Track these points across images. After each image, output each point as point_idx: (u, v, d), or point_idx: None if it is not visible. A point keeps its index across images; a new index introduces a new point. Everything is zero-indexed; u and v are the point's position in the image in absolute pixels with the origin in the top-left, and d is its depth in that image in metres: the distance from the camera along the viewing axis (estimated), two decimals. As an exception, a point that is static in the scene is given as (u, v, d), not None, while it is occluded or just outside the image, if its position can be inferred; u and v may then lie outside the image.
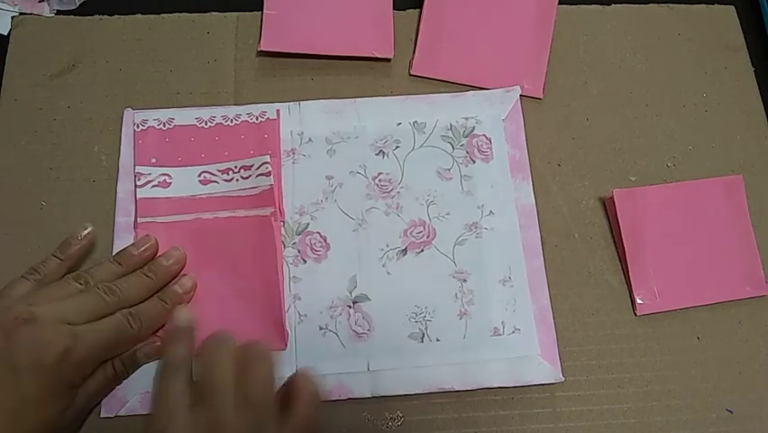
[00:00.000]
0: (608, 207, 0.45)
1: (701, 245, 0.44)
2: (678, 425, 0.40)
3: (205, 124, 0.45)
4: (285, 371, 0.39)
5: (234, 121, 0.45)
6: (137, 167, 0.43)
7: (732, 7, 0.51)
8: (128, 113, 0.45)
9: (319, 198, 0.44)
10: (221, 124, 0.45)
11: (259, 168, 0.43)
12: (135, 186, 0.43)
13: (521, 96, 0.47)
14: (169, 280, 0.41)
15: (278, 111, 0.45)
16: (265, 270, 0.41)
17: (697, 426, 0.40)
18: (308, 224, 0.43)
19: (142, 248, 0.40)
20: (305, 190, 0.44)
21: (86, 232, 0.41)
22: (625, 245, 0.43)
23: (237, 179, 0.43)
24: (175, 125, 0.45)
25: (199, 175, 0.43)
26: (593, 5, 0.51)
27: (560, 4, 0.49)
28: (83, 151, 0.45)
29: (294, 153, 0.44)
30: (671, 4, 0.51)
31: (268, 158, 0.43)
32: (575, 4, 0.50)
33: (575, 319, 0.42)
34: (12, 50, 0.47)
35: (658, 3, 0.51)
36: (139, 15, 0.49)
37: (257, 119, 0.45)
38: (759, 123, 0.48)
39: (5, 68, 0.47)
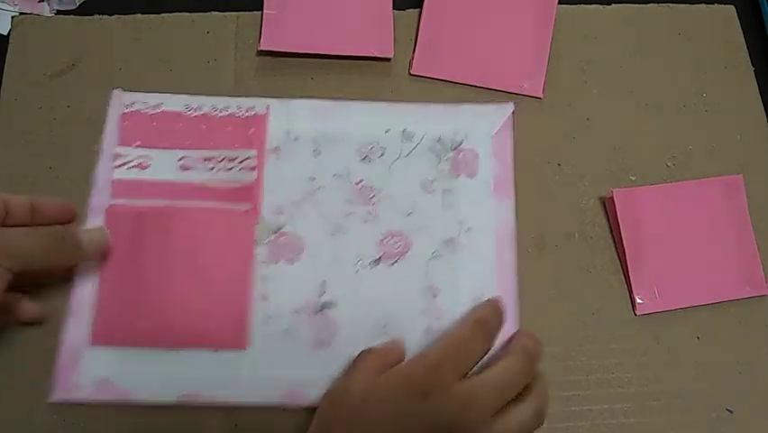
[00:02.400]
0: (608, 206, 0.45)
1: (701, 245, 0.44)
2: (678, 425, 0.40)
3: (194, 111, 0.44)
4: (243, 373, 0.39)
5: (223, 112, 0.44)
6: (117, 147, 0.43)
7: (732, 7, 0.51)
8: (116, 93, 0.45)
9: (299, 198, 0.43)
10: (208, 114, 0.44)
11: (243, 162, 0.43)
12: (112, 166, 0.43)
13: (521, 95, 0.47)
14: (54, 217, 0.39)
15: (267, 107, 0.45)
16: (235, 266, 0.41)
17: (697, 426, 0.40)
18: (285, 224, 0.43)
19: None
20: (285, 190, 0.43)
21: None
22: (625, 245, 0.43)
23: (219, 170, 0.43)
24: (163, 110, 0.44)
25: (180, 159, 0.43)
26: (593, 5, 0.51)
27: (560, 3, 0.49)
28: (82, 150, 0.45)
29: (279, 151, 0.44)
30: (671, 4, 0.51)
31: (254, 152, 0.43)
32: (575, 4, 0.50)
33: (575, 319, 0.42)
34: (12, 50, 0.47)
35: (658, 3, 0.51)
36: (139, 15, 0.49)
37: (245, 113, 0.45)
38: (759, 123, 0.48)
39: (5, 68, 0.47)
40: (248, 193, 0.42)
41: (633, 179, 0.46)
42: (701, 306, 0.43)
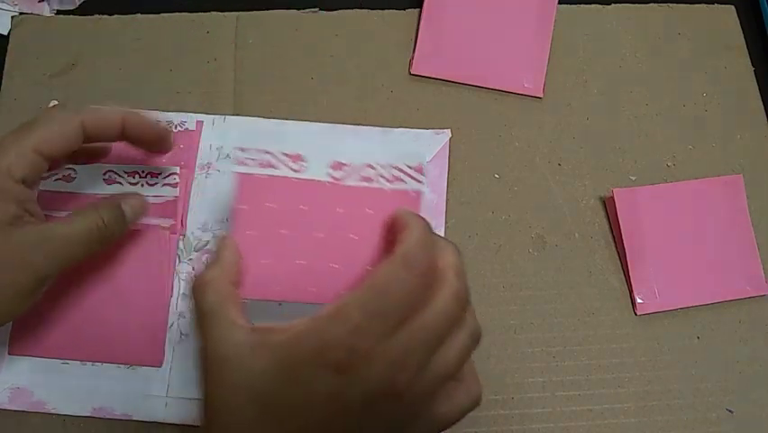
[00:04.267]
0: (608, 206, 0.45)
1: (701, 245, 0.44)
2: (678, 425, 0.40)
3: None
4: (156, 390, 0.39)
5: None
6: None
7: (732, 7, 0.51)
8: (52, 105, 0.45)
9: (225, 216, 0.42)
10: None
11: (166, 177, 0.42)
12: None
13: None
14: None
15: (198, 123, 0.45)
16: (154, 282, 0.41)
17: (697, 426, 0.40)
18: (209, 241, 0.42)
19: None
20: (212, 207, 0.43)
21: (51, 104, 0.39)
22: (625, 245, 0.43)
23: (142, 185, 0.42)
24: None
25: (104, 174, 0.42)
26: (593, 5, 0.51)
27: (560, 3, 0.49)
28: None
29: (209, 168, 0.44)
30: (671, 4, 0.51)
31: (177, 169, 0.42)
32: (575, 4, 0.50)
33: (575, 319, 0.42)
34: (12, 50, 0.47)
35: (658, 3, 0.51)
36: (139, 15, 0.48)
37: (176, 128, 0.44)
38: (759, 123, 0.48)
39: (5, 67, 0.47)
40: (171, 209, 0.42)
41: (633, 179, 0.46)
42: (701, 306, 0.43)
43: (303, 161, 0.34)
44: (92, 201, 0.38)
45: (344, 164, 0.34)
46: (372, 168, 0.34)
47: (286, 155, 0.33)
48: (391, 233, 0.30)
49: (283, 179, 0.33)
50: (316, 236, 0.33)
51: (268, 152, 0.33)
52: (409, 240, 0.27)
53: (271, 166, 0.33)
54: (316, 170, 0.34)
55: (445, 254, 0.28)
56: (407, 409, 0.26)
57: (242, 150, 0.33)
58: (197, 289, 0.29)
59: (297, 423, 0.25)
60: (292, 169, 0.33)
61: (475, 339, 0.28)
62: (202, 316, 0.28)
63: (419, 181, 0.35)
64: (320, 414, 0.25)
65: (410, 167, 0.35)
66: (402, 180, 0.34)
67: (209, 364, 0.27)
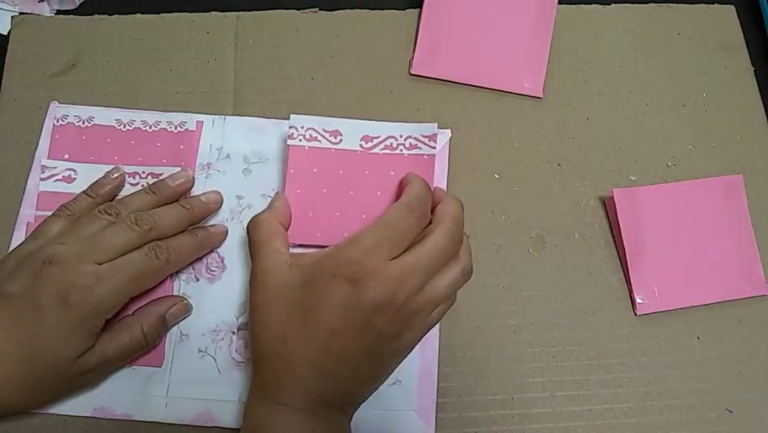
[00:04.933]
0: (608, 206, 0.45)
1: (701, 245, 0.44)
2: (678, 425, 0.40)
3: (124, 126, 0.44)
4: (156, 391, 0.39)
5: (153, 127, 0.44)
6: (44, 160, 0.43)
7: (732, 7, 0.51)
8: (53, 106, 0.45)
9: (225, 216, 0.43)
10: (139, 128, 0.44)
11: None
12: (39, 179, 0.43)
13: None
14: (204, 218, 0.41)
15: (198, 123, 0.45)
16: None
17: (697, 426, 0.40)
18: None
19: (179, 181, 0.41)
20: None
21: (117, 174, 0.42)
22: (625, 245, 0.43)
23: (142, 185, 0.42)
24: (94, 124, 0.44)
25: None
26: (593, 5, 0.51)
27: (560, 3, 0.49)
28: (83, 150, 0.45)
29: (209, 168, 0.44)
30: (671, 4, 0.51)
31: (177, 169, 0.42)
32: (575, 4, 0.50)
33: (575, 319, 0.42)
34: (12, 50, 0.47)
35: (658, 2, 0.51)
36: (139, 15, 0.49)
37: (176, 128, 0.44)
38: (759, 123, 0.48)
39: (5, 67, 0.47)
40: None
41: (633, 179, 0.46)
42: (701, 306, 0.43)
43: (340, 135, 0.41)
44: (139, 310, 0.39)
45: (373, 137, 0.41)
46: (395, 138, 0.41)
47: (326, 131, 0.41)
48: (402, 189, 0.38)
49: (324, 150, 0.41)
50: (349, 194, 0.40)
51: (312, 129, 0.41)
52: (411, 192, 0.36)
53: (315, 140, 0.41)
54: (350, 142, 0.41)
55: (448, 204, 0.36)
56: (406, 318, 0.33)
57: (292, 127, 0.40)
58: (252, 225, 0.37)
59: (318, 320, 0.32)
60: (331, 142, 0.41)
61: (466, 274, 0.36)
62: (254, 245, 0.36)
63: (432, 147, 0.41)
64: (337, 314, 0.32)
65: (425, 136, 0.41)
66: (418, 147, 0.41)
67: (256, 281, 0.35)
